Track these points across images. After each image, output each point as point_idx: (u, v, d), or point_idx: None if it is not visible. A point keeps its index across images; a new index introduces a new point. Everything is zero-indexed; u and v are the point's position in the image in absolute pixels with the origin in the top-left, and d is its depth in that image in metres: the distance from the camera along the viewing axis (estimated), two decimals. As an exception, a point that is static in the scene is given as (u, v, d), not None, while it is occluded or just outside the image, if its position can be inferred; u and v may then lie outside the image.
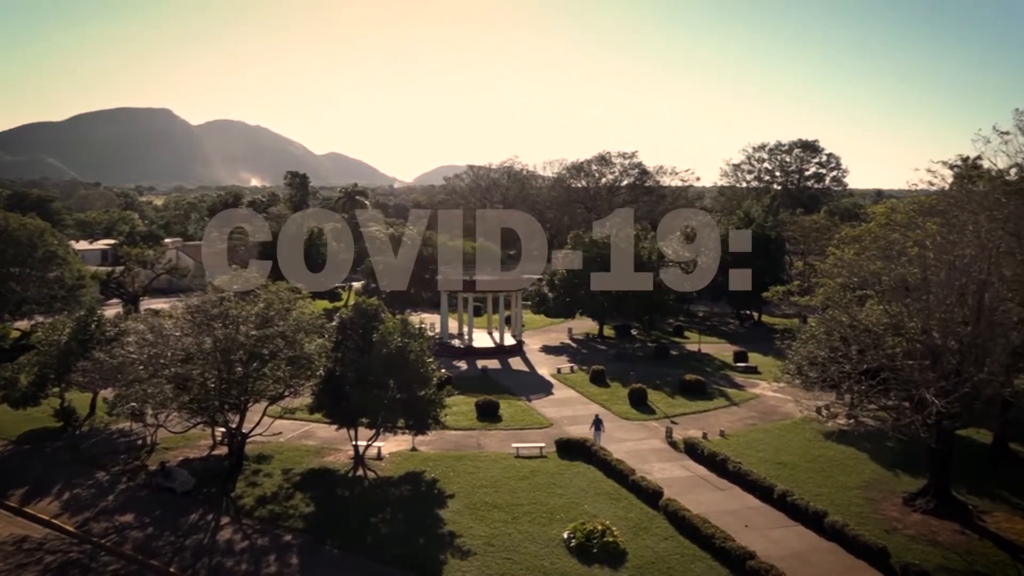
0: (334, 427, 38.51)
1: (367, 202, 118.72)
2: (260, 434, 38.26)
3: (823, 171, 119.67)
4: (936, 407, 29.77)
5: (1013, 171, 36.44)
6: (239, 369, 35.44)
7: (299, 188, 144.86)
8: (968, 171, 42.45)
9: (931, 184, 39.70)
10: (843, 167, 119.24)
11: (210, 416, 36.01)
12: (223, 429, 37.66)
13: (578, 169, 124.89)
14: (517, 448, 39.59)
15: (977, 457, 38.42)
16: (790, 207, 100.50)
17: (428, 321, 60.41)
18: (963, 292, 31.14)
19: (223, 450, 38.67)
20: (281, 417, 39.79)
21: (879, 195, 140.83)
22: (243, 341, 35.55)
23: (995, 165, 37.27)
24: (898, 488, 34.48)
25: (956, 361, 31.04)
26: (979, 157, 37.93)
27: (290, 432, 42.15)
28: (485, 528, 30.95)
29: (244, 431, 37.49)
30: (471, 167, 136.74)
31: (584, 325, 74.76)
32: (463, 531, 30.74)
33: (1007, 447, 38.42)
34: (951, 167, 43.21)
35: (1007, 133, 36.85)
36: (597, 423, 42.88)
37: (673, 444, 41.15)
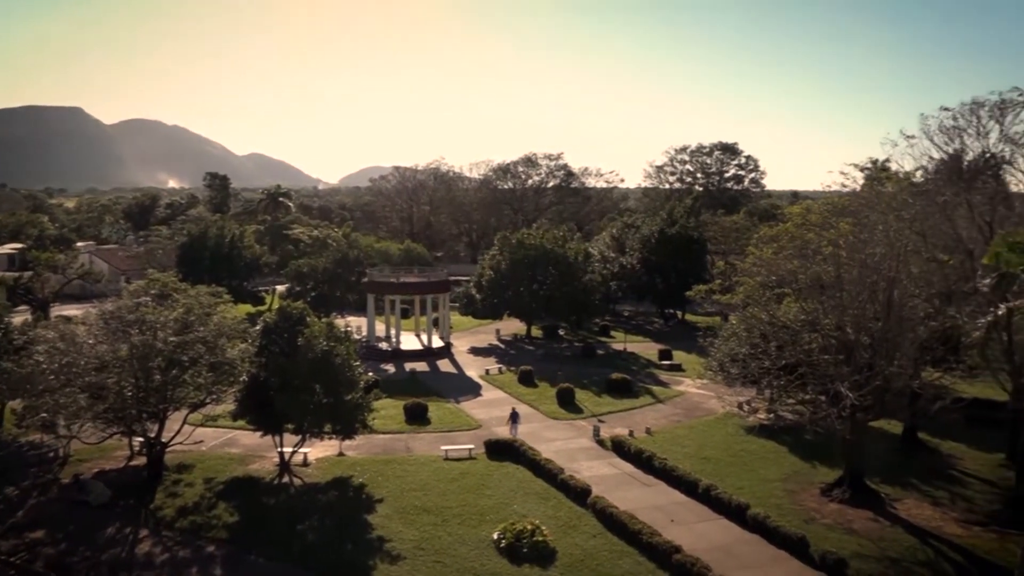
0: (258, 434, 37.69)
1: (291, 204, 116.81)
2: (180, 443, 37.14)
3: (742, 173, 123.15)
4: (850, 400, 30.99)
5: (919, 173, 38.26)
6: (157, 376, 34.16)
7: (219, 190, 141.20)
8: (878, 173, 44.30)
9: (844, 186, 41.42)
10: (761, 169, 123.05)
11: (127, 426, 34.70)
12: (141, 439, 36.45)
13: (504, 171, 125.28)
14: (446, 450, 39.47)
15: (889, 447, 40.11)
16: (711, 208, 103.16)
17: (354, 324, 59.69)
18: (874, 289, 32.51)
19: (142, 460, 37.33)
20: (203, 425, 38.70)
21: (795, 196, 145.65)
22: (161, 347, 34.31)
23: (902, 167, 39.07)
24: (816, 479, 35.68)
25: (868, 355, 32.36)
26: (888, 159, 39.85)
27: (212, 440, 41.02)
28: (415, 532, 30.74)
29: (163, 440, 36.27)
30: (397, 168, 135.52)
31: (512, 326, 74.91)
32: (392, 535, 30.46)
33: (916, 437, 40.15)
34: (862, 169, 45.14)
35: (913, 137, 38.69)
36: (514, 416, 43.29)
37: (600, 442, 41.67)
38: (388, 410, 45.30)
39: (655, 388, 53.13)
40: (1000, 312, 25.59)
